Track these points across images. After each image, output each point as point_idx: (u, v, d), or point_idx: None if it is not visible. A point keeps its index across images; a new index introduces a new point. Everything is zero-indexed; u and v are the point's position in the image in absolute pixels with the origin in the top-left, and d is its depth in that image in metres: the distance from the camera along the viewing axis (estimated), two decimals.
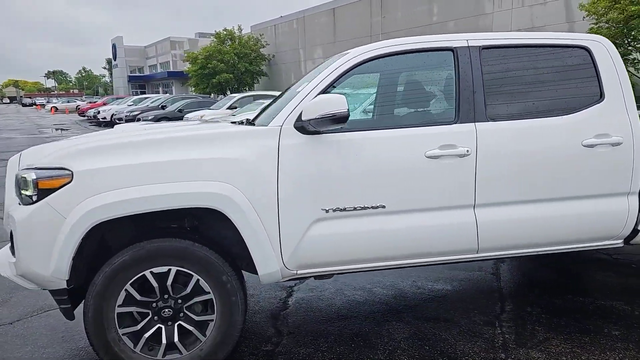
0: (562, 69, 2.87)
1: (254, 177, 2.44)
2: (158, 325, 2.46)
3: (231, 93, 31.06)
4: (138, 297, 2.42)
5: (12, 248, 2.53)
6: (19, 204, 2.44)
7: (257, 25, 33.19)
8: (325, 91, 2.60)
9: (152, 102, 25.17)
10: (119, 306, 2.40)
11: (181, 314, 2.48)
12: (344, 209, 2.55)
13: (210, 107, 18.05)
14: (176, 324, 2.48)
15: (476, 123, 2.67)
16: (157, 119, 20.10)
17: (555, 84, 2.86)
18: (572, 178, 2.75)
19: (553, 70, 2.87)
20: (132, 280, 2.39)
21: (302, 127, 2.52)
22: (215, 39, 31.10)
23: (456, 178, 2.63)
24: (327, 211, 2.54)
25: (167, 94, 34.47)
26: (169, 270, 2.41)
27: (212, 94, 30.39)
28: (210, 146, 2.47)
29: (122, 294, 2.39)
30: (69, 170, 2.31)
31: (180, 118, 19.36)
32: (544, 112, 2.77)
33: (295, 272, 2.61)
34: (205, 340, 2.49)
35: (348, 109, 2.35)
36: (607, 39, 2.97)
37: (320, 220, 2.54)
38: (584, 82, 2.86)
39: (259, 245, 2.46)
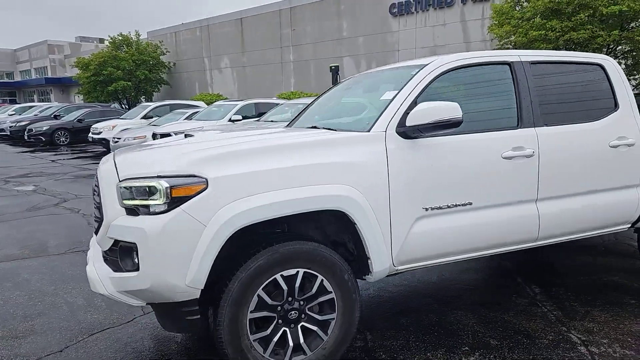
0: (586, 82, 3.44)
1: (370, 179, 2.57)
2: (283, 328, 2.47)
3: (127, 102, 29.39)
4: (269, 301, 2.41)
5: (116, 262, 2.37)
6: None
7: (155, 31, 31.74)
8: (417, 99, 2.84)
9: (40, 111, 22.78)
10: (251, 312, 2.37)
11: (304, 316, 2.51)
12: (440, 207, 2.80)
13: (121, 117, 16.90)
14: (299, 326, 2.51)
15: (536, 128, 3.10)
16: (53, 130, 18.37)
17: (583, 94, 3.41)
18: (603, 174, 3.30)
19: (580, 83, 3.42)
20: (264, 284, 2.38)
21: (404, 132, 2.72)
22: (109, 45, 29.13)
23: (524, 176, 3.02)
24: (427, 209, 2.76)
25: (55, 102, 31.39)
26: (297, 272, 2.44)
27: (110, 103, 28.32)
28: (328, 151, 2.56)
29: (255, 299, 2.37)
30: (203, 177, 2.25)
31: (83, 129, 17.88)
32: (579, 119, 3.30)
33: (396, 268, 2.78)
34: (327, 339, 2.55)
35: (462, 115, 2.61)
36: (612, 59, 3.61)
37: (421, 218, 2.75)
38: (603, 93, 3.45)
39: (377, 244, 2.60)
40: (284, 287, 2.42)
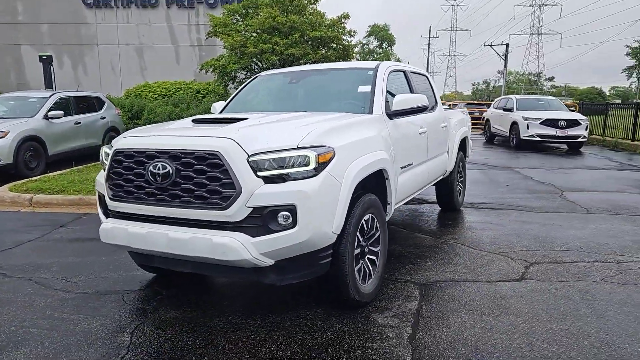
0: (426, 85, 5.32)
1: (389, 148, 3.61)
2: (361, 261, 3.24)
3: None
4: (361, 240, 3.15)
5: (259, 228, 2.63)
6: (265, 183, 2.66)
7: None
8: (387, 91, 4.00)
9: None
10: (355, 249, 3.07)
11: (367, 249, 3.33)
12: (404, 166, 4.07)
13: None
14: (366, 258, 3.32)
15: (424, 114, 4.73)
16: None
17: (429, 92, 5.28)
18: (441, 144, 5.27)
19: (424, 85, 5.27)
20: (359, 227, 3.11)
21: (389, 115, 3.85)
22: None
23: (424, 145, 4.62)
24: (402, 168, 3.98)
25: None
26: (369, 217, 3.27)
27: None
28: (369, 127, 3.45)
29: (357, 239, 3.08)
30: (330, 147, 2.83)
31: None
32: (431, 109, 5.14)
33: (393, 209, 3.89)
34: (379, 264, 3.44)
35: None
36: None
37: (400, 174, 3.96)
38: (431, 92, 5.41)
39: (394, 193, 3.66)
40: (365, 228, 3.21)
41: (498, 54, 40.73)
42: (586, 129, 13.93)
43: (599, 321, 3.01)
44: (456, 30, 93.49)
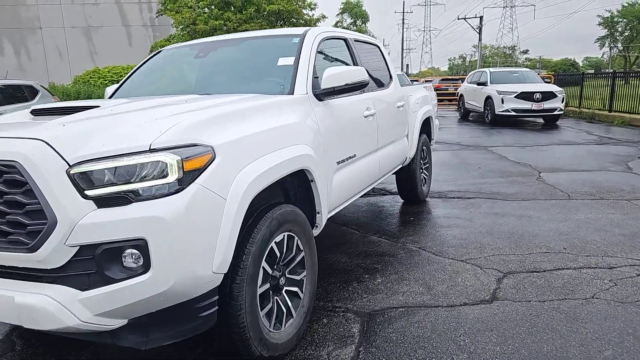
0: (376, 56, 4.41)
1: (315, 138, 2.69)
2: (275, 297, 2.37)
3: None
4: (270, 271, 2.27)
5: (89, 276, 1.73)
6: (96, 206, 1.73)
7: None
8: (315, 64, 3.07)
9: None
10: (259, 287, 2.18)
11: (284, 280, 2.46)
12: (343, 160, 3.17)
13: None
14: (283, 291, 2.45)
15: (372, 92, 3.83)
16: None
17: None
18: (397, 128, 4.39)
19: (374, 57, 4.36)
20: (265, 254, 2.22)
21: (318, 95, 2.93)
22: None
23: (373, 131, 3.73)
24: (339, 163, 3.09)
25: None
26: (283, 236, 2.38)
27: None
28: (281, 113, 2.53)
29: (261, 272, 2.19)
30: (208, 145, 1.92)
31: None
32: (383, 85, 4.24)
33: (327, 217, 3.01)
34: (303, 296, 2.57)
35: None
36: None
37: (337, 171, 3.07)
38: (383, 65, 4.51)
39: (324, 198, 2.78)
40: (277, 253, 2.33)
41: (472, 27, 39.82)
42: (562, 101, 13.25)
43: None
44: (430, 5, 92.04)
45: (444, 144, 9.96)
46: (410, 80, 15.52)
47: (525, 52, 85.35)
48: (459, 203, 5.26)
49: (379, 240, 4.16)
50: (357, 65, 3.74)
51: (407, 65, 68.84)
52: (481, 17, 39.38)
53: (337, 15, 63.37)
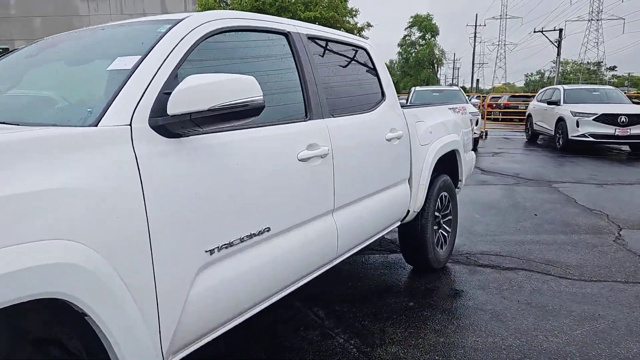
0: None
1: (113, 223, 1.33)
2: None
3: None
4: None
5: None
6: None
7: None
8: (177, 70, 1.71)
9: None
10: None
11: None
12: (230, 244, 1.77)
13: None
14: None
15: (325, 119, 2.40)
16: None
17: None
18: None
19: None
20: None
21: (164, 126, 1.56)
22: None
23: (321, 181, 2.29)
24: (212, 252, 1.69)
25: None
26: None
27: None
28: (57, 173, 1.18)
29: None
30: None
31: None
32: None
33: None
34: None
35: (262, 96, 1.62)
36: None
37: (205, 267, 1.67)
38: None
39: (133, 340, 1.38)
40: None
41: (550, 41, 36.60)
42: None
43: None
44: (506, 18, 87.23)
45: (497, 174, 8.16)
46: (467, 96, 13.65)
47: (612, 68, 78.50)
48: (490, 278, 3.60)
49: (343, 346, 2.67)
50: (305, 79, 2.34)
51: (478, 80, 65.18)
52: (560, 30, 36.13)
53: (406, 29, 61.63)
